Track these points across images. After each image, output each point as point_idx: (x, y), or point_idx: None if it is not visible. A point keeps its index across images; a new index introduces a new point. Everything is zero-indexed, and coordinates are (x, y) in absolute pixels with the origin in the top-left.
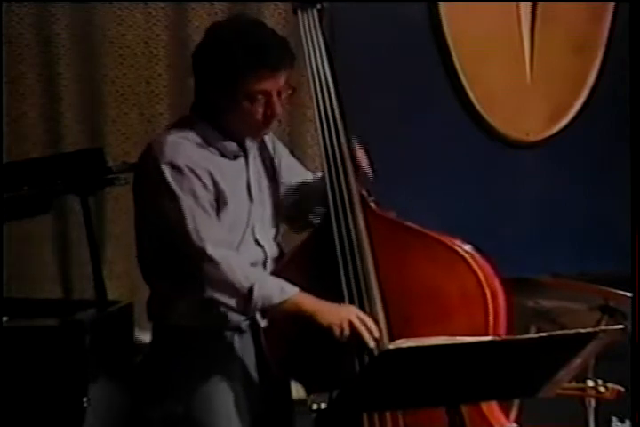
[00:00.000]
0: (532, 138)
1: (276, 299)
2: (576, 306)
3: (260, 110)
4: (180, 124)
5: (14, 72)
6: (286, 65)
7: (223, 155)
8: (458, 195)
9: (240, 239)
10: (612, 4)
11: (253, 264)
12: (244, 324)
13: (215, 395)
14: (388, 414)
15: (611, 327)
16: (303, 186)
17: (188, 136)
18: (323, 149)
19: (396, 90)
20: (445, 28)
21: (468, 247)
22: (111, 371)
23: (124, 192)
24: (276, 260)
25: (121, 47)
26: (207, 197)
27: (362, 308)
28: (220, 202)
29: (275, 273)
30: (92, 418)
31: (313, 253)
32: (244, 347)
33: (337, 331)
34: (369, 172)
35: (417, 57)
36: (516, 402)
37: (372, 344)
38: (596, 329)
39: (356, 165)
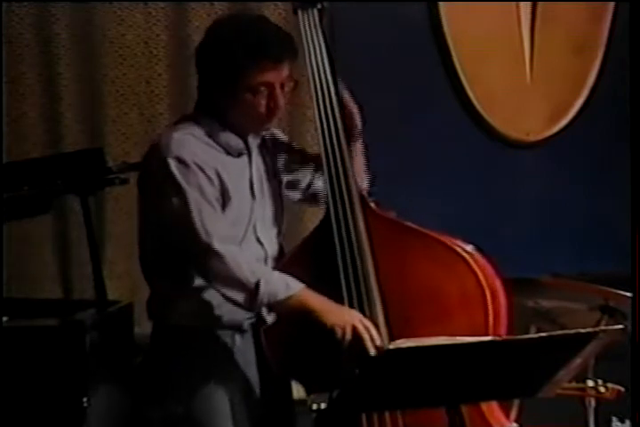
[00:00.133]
0: (532, 138)
1: (282, 295)
2: (576, 306)
3: (263, 102)
4: (186, 120)
5: (14, 72)
6: (289, 57)
7: (228, 152)
8: (458, 195)
9: (242, 237)
10: (611, 4)
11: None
12: (246, 323)
13: (215, 395)
14: (387, 414)
15: (611, 327)
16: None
17: (194, 133)
18: (323, 148)
19: (396, 90)
20: (445, 28)
21: (469, 248)
22: (111, 371)
23: (123, 192)
24: (277, 259)
25: (121, 47)
26: (213, 193)
27: (361, 308)
28: (224, 198)
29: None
30: (92, 418)
31: (313, 252)
32: (245, 347)
33: (339, 333)
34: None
35: (417, 57)
36: (516, 402)
37: (372, 351)
38: (596, 329)
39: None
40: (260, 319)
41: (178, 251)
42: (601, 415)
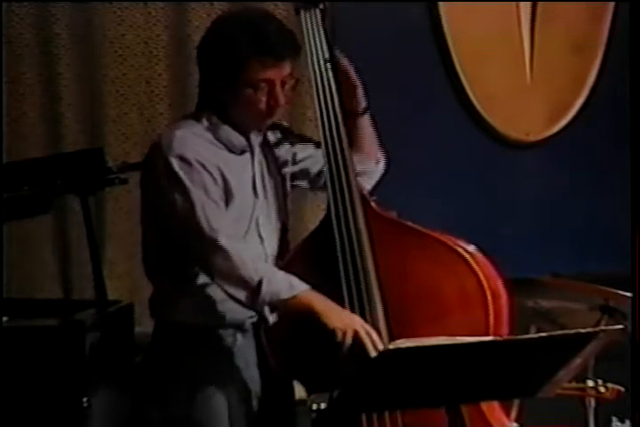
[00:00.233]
0: (532, 138)
1: (285, 294)
2: (576, 306)
3: (264, 99)
4: (187, 119)
5: (14, 72)
6: (291, 54)
7: (230, 150)
8: (458, 195)
9: (244, 234)
10: (611, 4)
11: None
12: (247, 322)
13: (216, 394)
14: (387, 415)
15: (611, 327)
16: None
17: (196, 131)
18: (324, 148)
19: (396, 90)
20: (445, 28)
21: (471, 248)
22: (111, 371)
23: (123, 192)
24: (279, 256)
25: (121, 47)
26: (217, 191)
27: (361, 307)
28: (227, 196)
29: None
30: (92, 418)
31: (314, 251)
32: (246, 346)
33: (340, 336)
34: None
35: (417, 57)
36: (516, 402)
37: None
38: (596, 329)
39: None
40: (262, 318)
41: (181, 249)
42: (601, 415)
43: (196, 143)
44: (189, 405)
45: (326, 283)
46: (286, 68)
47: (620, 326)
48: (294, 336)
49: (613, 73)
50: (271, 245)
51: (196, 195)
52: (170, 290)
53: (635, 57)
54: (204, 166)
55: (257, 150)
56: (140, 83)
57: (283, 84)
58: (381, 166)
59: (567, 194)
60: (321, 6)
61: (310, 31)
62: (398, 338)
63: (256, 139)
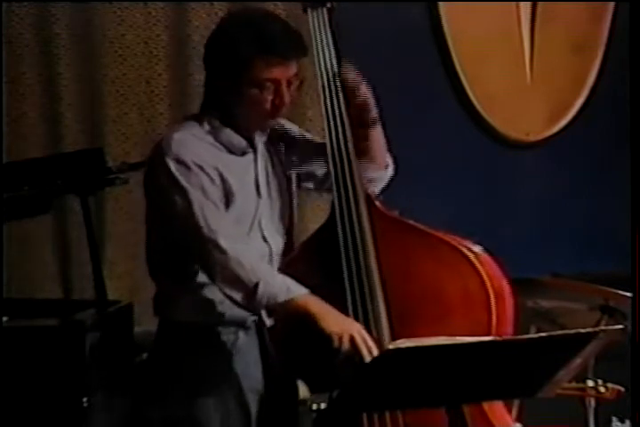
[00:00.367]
0: (532, 138)
1: (282, 297)
2: (576, 306)
3: (269, 98)
4: (188, 120)
5: (14, 72)
6: (297, 54)
7: (231, 151)
8: (458, 195)
9: (246, 234)
10: (611, 4)
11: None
12: (249, 320)
13: (217, 393)
14: (387, 414)
15: (611, 327)
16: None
17: (196, 133)
18: (329, 147)
19: (396, 90)
20: (445, 28)
21: (476, 248)
22: (111, 371)
23: (123, 192)
24: (284, 256)
25: (121, 47)
26: (215, 192)
27: (364, 307)
28: (227, 197)
29: (280, 269)
30: (92, 418)
31: (317, 251)
32: (249, 344)
33: (336, 340)
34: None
35: (417, 57)
36: (516, 402)
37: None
38: (596, 329)
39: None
40: (259, 320)
41: (182, 249)
42: (601, 415)
43: (194, 145)
44: (191, 404)
45: (330, 282)
46: (292, 68)
47: (620, 326)
48: (295, 338)
49: (613, 73)
50: (276, 244)
51: (195, 196)
52: (171, 289)
53: (635, 57)
54: (201, 168)
55: (261, 151)
56: (140, 83)
57: (289, 83)
58: (390, 171)
59: (567, 194)
60: (328, 5)
61: (317, 30)
62: (400, 337)
63: (260, 139)
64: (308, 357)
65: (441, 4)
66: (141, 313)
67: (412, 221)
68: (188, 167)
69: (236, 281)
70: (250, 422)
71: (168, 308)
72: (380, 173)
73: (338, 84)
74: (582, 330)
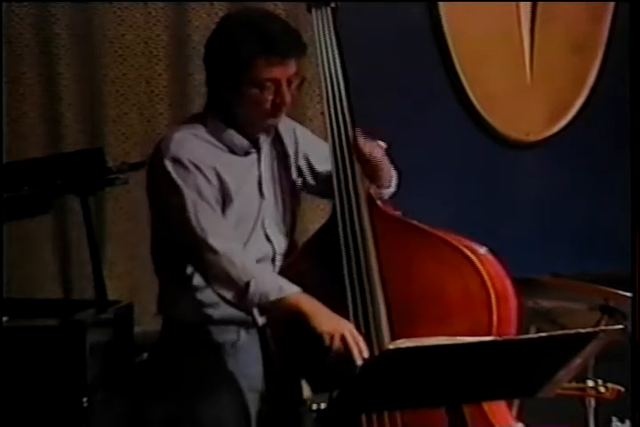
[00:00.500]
0: (532, 138)
1: (273, 296)
2: (576, 306)
3: (269, 98)
4: (192, 120)
5: (14, 72)
6: (296, 53)
7: (232, 151)
8: (458, 195)
9: (249, 235)
10: (611, 4)
11: (262, 260)
12: (250, 319)
13: (218, 392)
14: (386, 415)
15: (611, 327)
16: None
17: (197, 132)
18: (331, 146)
19: (396, 90)
20: (445, 28)
21: (482, 250)
22: (111, 371)
23: (123, 192)
24: (287, 256)
25: (121, 47)
26: (212, 193)
27: (364, 306)
28: (225, 197)
29: (281, 269)
30: (92, 418)
31: (318, 251)
32: (250, 342)
33: (327, 340)
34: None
35: (417, 57)
36: (516, 402)
37: (359, 362)
38: (596, 329)
39: (365, 160)
40: (252, 319)
41: (179, 248)
42: (601, 415)
43: (193, 145)
44: (191, 403)
45: (330, 282)
46: (292, 67)
47: (620, 326)
48: (294, 336)
49: (613, 73)
50: (280, 244)
51: (189, 196)
52: (173, 288)
53: (635, 57)
54: (198, 168)
55: (265, 151)
56: (140, 83)
57: (289, 82)
58: (395, 183)
59: (567, 194)
60: (332, 5)
61: (321, 30)
62: (401, 337)
63: (265, 139)
64: (307, 356)
65: (441, 4)
66: (141, 313)
67: (413, 221)
68: (184, 167)
69: (227, 280)
70: (250, 421)
71: (170, 307)
72: (386, 190)
73: (341, 82)
74: (582, 330)
